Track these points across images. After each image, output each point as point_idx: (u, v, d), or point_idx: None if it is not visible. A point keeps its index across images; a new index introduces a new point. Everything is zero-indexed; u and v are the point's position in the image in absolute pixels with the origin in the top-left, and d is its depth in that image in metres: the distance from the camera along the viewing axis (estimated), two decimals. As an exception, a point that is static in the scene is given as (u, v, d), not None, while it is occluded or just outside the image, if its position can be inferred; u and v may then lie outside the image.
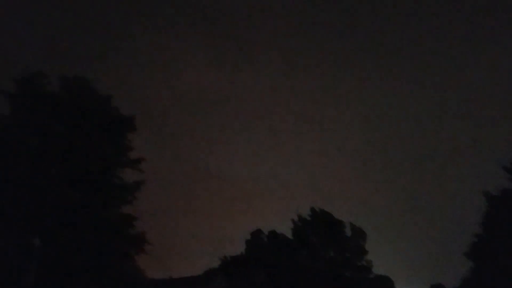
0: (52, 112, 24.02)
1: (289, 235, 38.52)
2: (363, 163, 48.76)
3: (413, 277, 37.72)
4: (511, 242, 27.56)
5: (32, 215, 23.32)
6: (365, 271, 36.51)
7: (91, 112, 24.05)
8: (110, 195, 25.17)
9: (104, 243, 24.69)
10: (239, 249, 38.83)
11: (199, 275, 33.72)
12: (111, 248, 25.14)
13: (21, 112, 24.08)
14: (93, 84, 24.34)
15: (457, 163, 47.86)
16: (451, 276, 34.72)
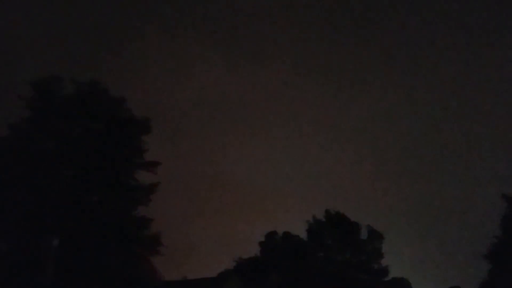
0: (68, 116, 24.28)
1: (303, 237, 38.36)
2: (379, 165, 48.53)
3: (431, 280, 37.43)
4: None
5: (51, 216, 23.56)
6: (382, 274, 36.21)
7: (105, 114, 24.25)
8: (125, 197, 25.27)
9: (119, 244, 24.82)
10: (253, 251, 38.78)
11: (213, 276, 33.67)
12: (126, 249, 25.26)
13: (38, 115, 24.38)
14: (107, 87, 24.56)
15: (476, 165, 47.54)
16: (469, 279, 34.38)
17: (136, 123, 24.37)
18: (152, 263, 27.68)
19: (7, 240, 24.44)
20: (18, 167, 23.97)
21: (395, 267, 36.13)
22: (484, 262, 29.82)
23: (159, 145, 27.57)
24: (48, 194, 23.92)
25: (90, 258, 23.88)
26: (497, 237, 29.48)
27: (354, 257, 36.73)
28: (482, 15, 51.67)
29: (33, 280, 23.28)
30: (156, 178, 25.24)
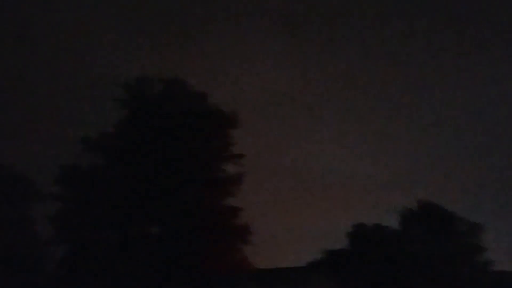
0: (160, 113, 26.06)
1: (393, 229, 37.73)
2: (472, 153, 46.70)
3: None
4: None
5: (150, 208, 25.43)
6: (485, 267, 34.91)
7: (193, 110, 25.79)
8: (215, 188, 26.66)
9: (211, 234, 26.22)
10: (342, 243, 38.82)
11: (302, 266, 34.21)
12: (218, 238, 26.62)
13: (134, 114, 26.35)
14: (191, 84, 26.15)
15: None
16: None
17: (224, 117, 25.76)
18: (243, 252, 28.84)
19: (114, 229, 26.56)
20: (121, 163, 26.04)
21: (499, 260, 34.59)
22: None
23: (243, 138, 28.72)
24: (147, 187, 25.82)
25: (184, 248, 25.49)
26: None
27: (453, 250, 35.75)
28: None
29: (137, 266, 25.20)
30: (242, 170, 26.53)
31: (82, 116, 26.55)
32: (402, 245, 36.10)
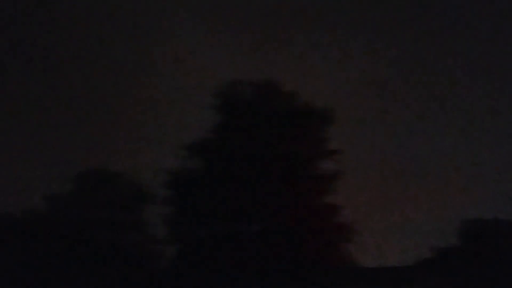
0: (253, 117, 27.14)
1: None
2: None
3: None
4: None
5: (251, 207, 26.48)
6: None
7: (285, 109, 26.49)
8: (313, 185, 27.11)
9: (311, 232, 26.67)
10: (452, 241, 37.32)
11: (410, 265, 33.38)
12: (318, 236, 26.98)
13: (229, 119, 27.67)
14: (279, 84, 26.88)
15: None
16: None
17: (318, 114, 26.25)
18: (346, 250, 28.88)
19: (219, 228, 27.91)
20: (221, 166, 27.42)
21: None
22: None
23: (342, 134, 28.78)
24: (248, 187, 26.95)
25: (284, 246, 26.19)
26: None
27: None
28: None
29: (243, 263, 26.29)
30: (338, 167, 26.77)
31: (182, 123, 28.13)
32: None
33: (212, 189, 26.91)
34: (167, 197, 27.92)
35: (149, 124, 33.59)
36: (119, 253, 28.61)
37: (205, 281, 25.91)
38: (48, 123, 35.22)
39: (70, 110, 36.15)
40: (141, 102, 34.79)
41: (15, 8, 37.07)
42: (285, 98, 26.43)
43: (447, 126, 45.49)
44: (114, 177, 29.84)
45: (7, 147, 33.40)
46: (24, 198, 29.16)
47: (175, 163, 27.33)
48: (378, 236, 35.03)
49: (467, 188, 42.53)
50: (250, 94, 27.02)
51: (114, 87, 36.62)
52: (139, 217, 30.32)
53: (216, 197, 26.74)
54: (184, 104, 30.16)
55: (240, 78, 27.05)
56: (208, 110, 26.93)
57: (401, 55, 46.24)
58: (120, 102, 35.58)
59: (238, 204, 26.54)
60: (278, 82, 26.69)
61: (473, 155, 42.60)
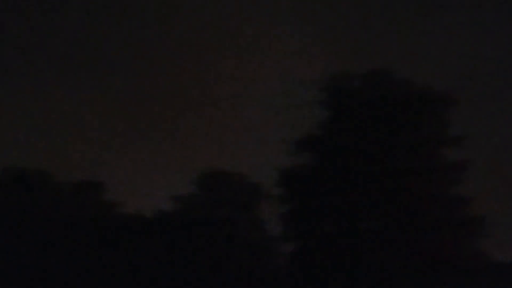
0: (364, 109, 25.80)
1: None
2: None
3: None
4: None
5: (367, 204, 25.35)
6: None
7: (399, 97, 24.82)
8: (438, 176, 25.31)
9: (438, 227, 24.96)
10: None
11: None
12: (447, 231, 25.21)
13: (337, 115, 26.64)
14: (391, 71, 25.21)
15: None
16: None
17: (437, 97, 24.25)
18: (480, 245, 26.83)
19: (336, 225, 27.12)
20: (334, 162, 26.54)
21: None
22: None
23: (468, 118, 26.41)
24: (365, 183, 25.79)
25: (410, 242, 24.73)
26: None
27: None
28: None
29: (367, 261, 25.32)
30: (468, 155, 24.62)
31: (292, 120, 27.71)
32: None
33: (327, 185, 26.09)
34: (282, 195, 27.63)
35: (262, 124, 34.30)
36: (241, 250, 29.21)
37: (324, 280, 25.35)
38: (172, 132, 37.75)
39: (192, 116, 38.28)
40: (255, 103, 35.76)
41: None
42: (398, 85, 24.72)
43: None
44: (233, 177, 30.72)
45: (140, 155, 36.26)
46: (154, 200, 30.98)
47: (289, 161, 26.94)
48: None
49: None
50: (358, 85, 25.71)
51: (228, 90, 37.85)
52: (257, 215, 30.84)
53: (332, 194, 25.91)
54: (292, 101, 29.77)
55: (343, 70, 25.89)
56: (317, 105, 26.08)
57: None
58: (236, 105, 37.09)
59: (356, 200, 25.48)
60: (387, 69, 25.07)
61: None
